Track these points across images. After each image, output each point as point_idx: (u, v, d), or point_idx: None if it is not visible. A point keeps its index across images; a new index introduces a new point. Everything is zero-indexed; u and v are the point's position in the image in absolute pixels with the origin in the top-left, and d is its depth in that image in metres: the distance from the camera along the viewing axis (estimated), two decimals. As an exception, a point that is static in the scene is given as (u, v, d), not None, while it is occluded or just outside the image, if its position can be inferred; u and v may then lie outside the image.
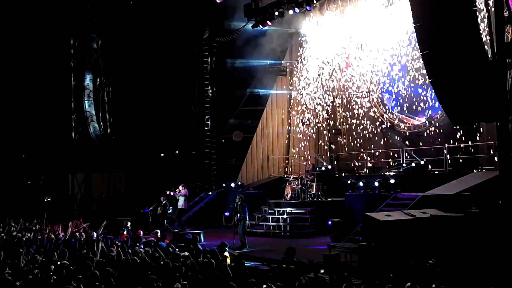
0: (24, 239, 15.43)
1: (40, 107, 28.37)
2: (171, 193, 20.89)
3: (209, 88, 28.19)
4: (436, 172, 19.05)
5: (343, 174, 23.03)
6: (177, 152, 30.66)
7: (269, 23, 23.48)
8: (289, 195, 21.12)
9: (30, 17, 27.77)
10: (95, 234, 15.28)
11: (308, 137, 25.78)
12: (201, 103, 28.64)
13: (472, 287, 9.50)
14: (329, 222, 18.05)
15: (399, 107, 22.29)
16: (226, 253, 13.06)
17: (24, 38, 27.87)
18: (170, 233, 19.56)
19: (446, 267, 10.56)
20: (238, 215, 17.37)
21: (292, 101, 26.78)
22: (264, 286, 8.71)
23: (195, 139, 29.07)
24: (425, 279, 8.79)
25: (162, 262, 11.19)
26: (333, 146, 25.67)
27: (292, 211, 20.40)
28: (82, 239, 15.36)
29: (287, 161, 27.22)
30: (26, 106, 28.32)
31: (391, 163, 21.33)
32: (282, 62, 27.26)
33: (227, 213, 22.67)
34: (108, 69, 29.35)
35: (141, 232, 16.82)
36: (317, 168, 22.77)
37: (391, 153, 21.86)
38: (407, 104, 21.66)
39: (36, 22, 27.66)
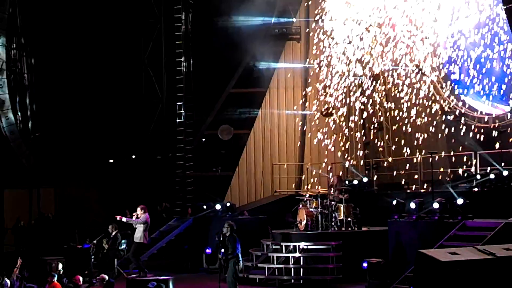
0: None
1: None
2: (124, 219, 20.88)
3: (183, 60, 28.22)
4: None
5: (385, 191, 23.07)
6: (133, 157, 30.67)
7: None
8: (304, 222, 21.17)
9: None
10: (8, 282, 15.27)
11: (332, 135, 25.82)
12: (171, 82, 28.67)
13: None
14: (365, 264, 18.08)
15: (470, 90, 22.35)
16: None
17: None
18: (123, 280, 19.61)
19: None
20: (222, 251, 17.35)
21: (309, 79, 26.82)
22: None
23: (161, 138, 29.09)
24: None
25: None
26: (370, 148, 25.71)
27: (309, 247, 20.46)
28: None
29: (301, 172, 27.26)
30: None
31: (459, 175, 21.39)
32: (294, 20, 27.29)
33: (209, 250, 22.72)
34: (30, 30, 29.34)
35: (80, 279, 16.85)
36: (346, 182, 22.82)
37: (457, 159, 21.90)
38: (485, 85, 21.72)
39: None
